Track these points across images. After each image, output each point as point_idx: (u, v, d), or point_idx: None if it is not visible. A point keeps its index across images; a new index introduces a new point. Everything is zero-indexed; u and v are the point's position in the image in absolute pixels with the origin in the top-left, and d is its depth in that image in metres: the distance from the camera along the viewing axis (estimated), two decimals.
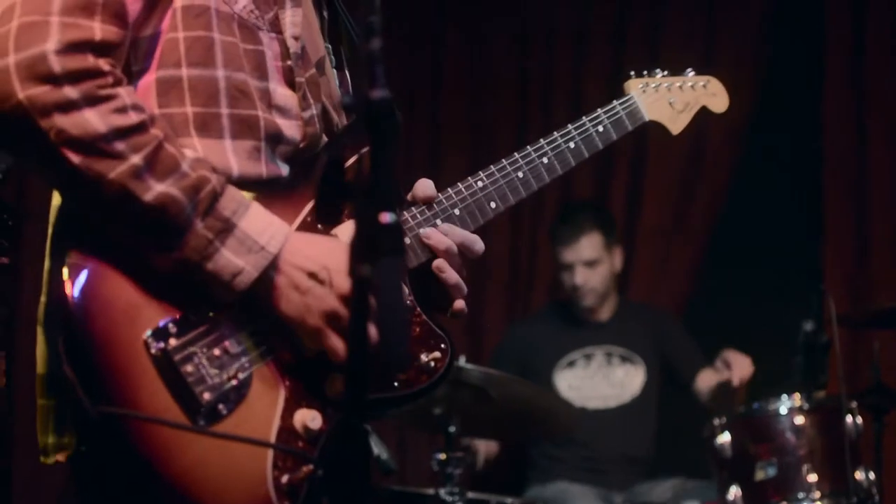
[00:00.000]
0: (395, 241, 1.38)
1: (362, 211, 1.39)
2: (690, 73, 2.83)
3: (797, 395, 4.12)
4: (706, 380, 5.12)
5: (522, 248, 6.36)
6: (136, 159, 1.77)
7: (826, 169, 5.86)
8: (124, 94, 1.81)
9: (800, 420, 4.12)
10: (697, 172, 6.07)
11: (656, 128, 2.72)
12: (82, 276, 1.80)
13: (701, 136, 6.02)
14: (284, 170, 2.02)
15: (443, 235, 2.12)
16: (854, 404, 4.13)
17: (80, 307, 1.78)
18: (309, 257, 1.88)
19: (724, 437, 4.22)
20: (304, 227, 1.98)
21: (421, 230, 2.12)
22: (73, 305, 1.78)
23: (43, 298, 1.89)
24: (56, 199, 1.93)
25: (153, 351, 1.79)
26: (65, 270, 1.80)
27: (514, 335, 5.51)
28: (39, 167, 1.83)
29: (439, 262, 2.10)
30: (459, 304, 2.13)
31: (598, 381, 5.29)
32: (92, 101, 1.76)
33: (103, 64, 1.80)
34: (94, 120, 1.76)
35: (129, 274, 1.82)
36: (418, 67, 6.62)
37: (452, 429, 4.25)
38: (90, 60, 1.78)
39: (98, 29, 1.80)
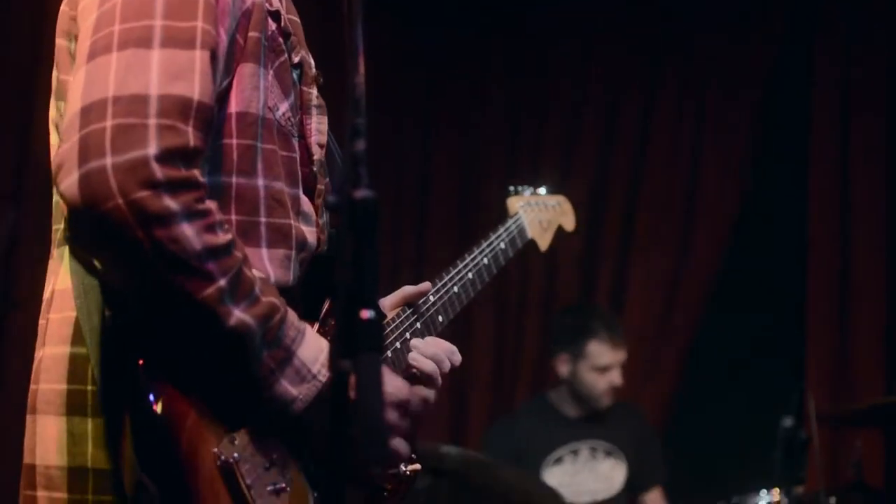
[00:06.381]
0: (375, 338, 1.41)
1: (343, 307, 1.42)
2: (544, 191, 3.00)
3: (776, 491, 4.14)
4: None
5: (507, 344, 6.41)
6: (223, 282, 1.75)
7: (809, 267, 5.93)
8: (214, 209, 1.78)
9: None
10: (681, 274, 6.15)
11: (529, 245, 2.90)
12: (157, 389, 1.80)
13: (685, 238, 6.12)
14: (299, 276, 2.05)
15: (427, 359, 2.22)
16: (833, 500, 4.15)
17: (161, 421, 1.79)
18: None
19: None
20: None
21: (409, 355, 2.22)
22: (152, 419, 1.79)
23: (54, 386, 1.91)
24: (79, 281, 1.90)
25: (220, 463, 1.82)
26: (140, 381, 1.80)
27: (498, 435, 5.45)
28: (121, 270, 1.80)
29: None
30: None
31: (586, 476, 5.28)
32: (189, 215, 1.72)
33: (198, 174, 1.76)
34: (190, 236, 1.71)
35: (196, 387, 1.82)
36: (407, 166, 6.73)
37: None
38: (188, 170, 1.74)
39: (192, 135, 1.75)
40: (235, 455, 1.83)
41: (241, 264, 1.79)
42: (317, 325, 2.01)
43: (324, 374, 1.87)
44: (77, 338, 1.90)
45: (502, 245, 2.68)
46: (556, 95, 6.57)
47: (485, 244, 2.62)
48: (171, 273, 1.72)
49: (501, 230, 2.73)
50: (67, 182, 1.71)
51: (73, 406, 1.89)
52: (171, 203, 1.70)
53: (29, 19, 4.62)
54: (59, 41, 2.00)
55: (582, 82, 6.51)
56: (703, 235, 6.11)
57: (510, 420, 5.60)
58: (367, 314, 1.40)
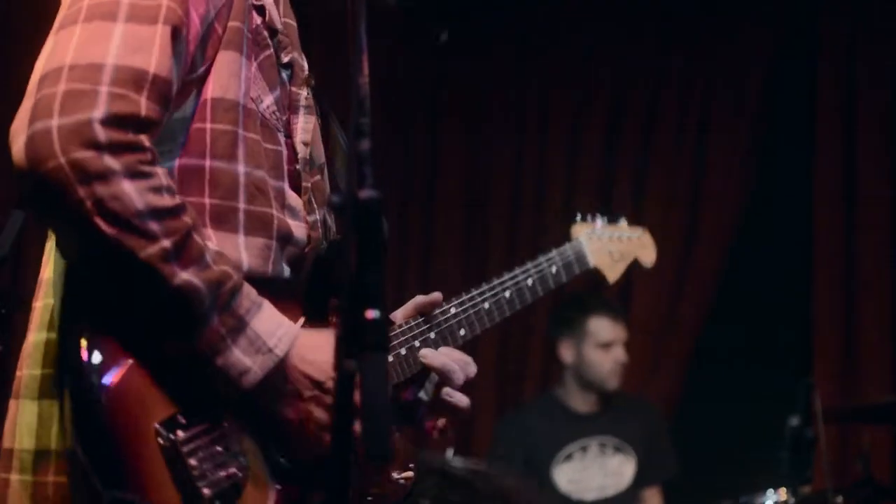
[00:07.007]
0: (380, 338, 1.41)
1: (348, 307, 1.42)
2: (623, 223, 2.97)
3: (783, 491, 4.12)
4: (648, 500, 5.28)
5: (513, 342, 6.39)
6: (166, 243, 1.74)
7: (814, 263, 5.92)
8: (161, 173, 1.79)
9: None
10: (686, 272, 6.14)
11: (593, 274, 2.89)
12: (98, 361, 1.77)
13: (690, 236, 6.11)
14: (287, 271, 2.03)
15: (440, 354, 2.20)
16: (840, 499, 4.13)
17: (96, 392, 1.76)
18: (315, 364, 1.88)
19: None
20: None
21: (420, 351, 2.19)
22: (89, 390, 1.76)
23: (32, 371, 1.91)
24: (57, 267, 1.90)
25: (162, 441, 1.78)
26: (81, 353, 1.77)
27: (507, 433, 5.43)
28: (65, 234, 1.81)
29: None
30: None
31: (595, 472, 5.28)
32: (132, 174, 1.73)
33: (145, 140, 1.77)
34: (131, 193, 1.72)
35: (142, 360, 1.80)
36: (412, 168, 6.72)
37: None
38: (133, 134, 1.75)
39: (144, 105, 1.77)
40: (180, 433, 1.80)
41: (189, 230, 1.78)
42: (302, 319, 1.98)
43: (281, 349, 1.85)
44: (53, 323, 1.90)
45: (553, 269, 2.61)
46: (560, 95, 6.56)
47: (530, 264, 2.56)
48: (113, 232, 1.72)
49: (554, 253, 2.67)
50: (17, 145, 1.73)
51: (45, 390, 1.89)
52: (112, 162, 1.72)
53: (29, 19, 4.61)
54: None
55: (585, 82, 6.50)
56: (708, 234, 6.10)
57: (519, 414, 5.58)
58: (371, 314, 1.40)
